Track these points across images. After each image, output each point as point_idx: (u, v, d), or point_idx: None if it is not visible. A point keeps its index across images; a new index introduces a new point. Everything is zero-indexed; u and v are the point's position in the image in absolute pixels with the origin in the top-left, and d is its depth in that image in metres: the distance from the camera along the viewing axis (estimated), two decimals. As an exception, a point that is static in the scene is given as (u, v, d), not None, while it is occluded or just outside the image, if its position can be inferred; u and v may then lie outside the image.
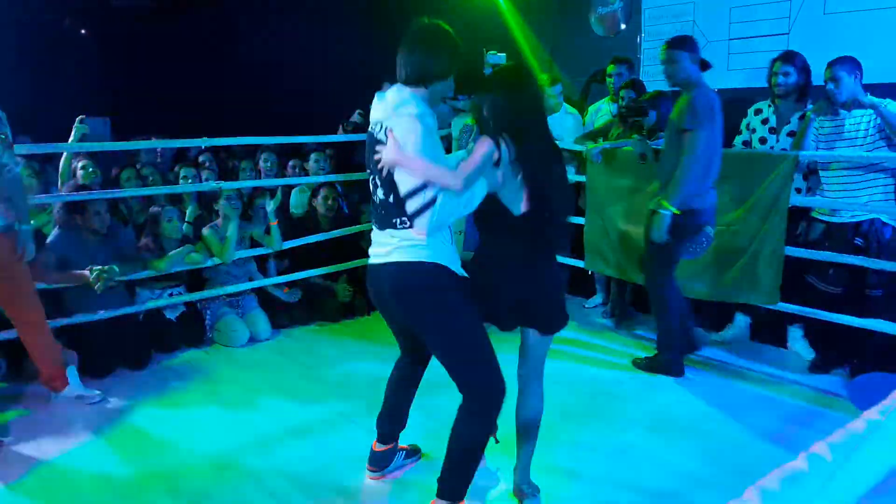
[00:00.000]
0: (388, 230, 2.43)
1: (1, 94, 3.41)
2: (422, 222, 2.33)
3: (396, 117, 2.35)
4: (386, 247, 2.44)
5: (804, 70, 4.06)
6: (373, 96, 2.52)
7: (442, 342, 2.43)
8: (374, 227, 2.53)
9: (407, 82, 2.40)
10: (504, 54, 5.47)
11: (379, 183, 2.42)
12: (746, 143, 4.30)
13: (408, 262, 2.38)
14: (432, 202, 2.31)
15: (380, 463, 2.92)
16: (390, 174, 2.36)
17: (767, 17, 4.62)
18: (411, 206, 2.33)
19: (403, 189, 2.34)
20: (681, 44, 3.63)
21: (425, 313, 2.41)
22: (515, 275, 2.45)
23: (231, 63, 6.75)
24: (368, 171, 2.50)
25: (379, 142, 2.39)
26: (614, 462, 3.03)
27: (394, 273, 2.41)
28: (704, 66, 3.65)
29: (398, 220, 2.39)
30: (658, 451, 3.11)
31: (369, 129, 2.48)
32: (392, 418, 2.89)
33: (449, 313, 2.40)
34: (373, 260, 2.52)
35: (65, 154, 4.50)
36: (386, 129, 2.36)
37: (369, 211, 2.85)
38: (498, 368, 2.43)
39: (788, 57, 4.07)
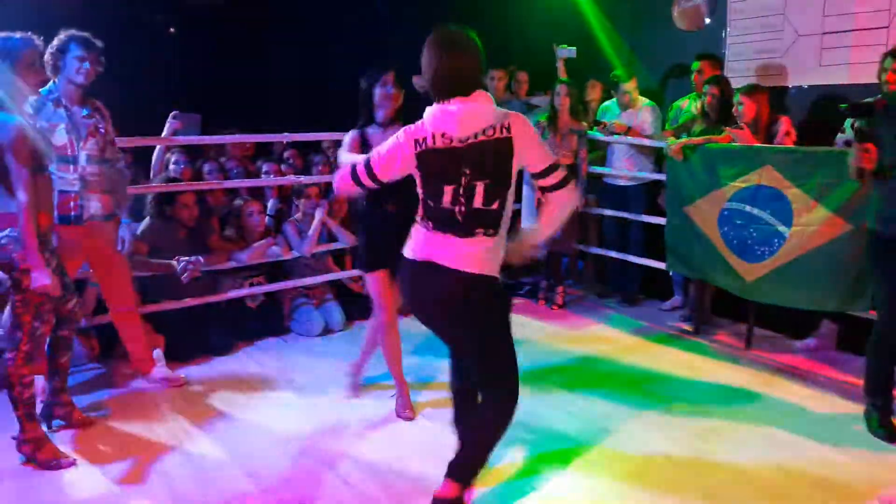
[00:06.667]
0: (471, 238, 2.39)
1: (96, 92, 3.57)
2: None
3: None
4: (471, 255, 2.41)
5: None
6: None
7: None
8: (446, 231, 2.42)
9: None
10: (574, 48, 5.37)
11: (479, 190, 2.37)
12: (849, 144, 4.07)
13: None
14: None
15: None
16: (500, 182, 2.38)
17: (865, 9, 4.38)
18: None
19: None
20: None
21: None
22: None
23: (317, 58, 6.89)
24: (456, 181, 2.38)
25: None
26: (696, 472, 2.95)
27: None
28: None
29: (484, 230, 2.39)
30: (737, 462, 3.01)
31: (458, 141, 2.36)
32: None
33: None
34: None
35: (157, 148, 4.70)
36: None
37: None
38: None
39: None
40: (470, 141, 2.33)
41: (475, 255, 2.38)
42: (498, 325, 2.48)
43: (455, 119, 2.32)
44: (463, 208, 2.37)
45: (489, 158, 2.34)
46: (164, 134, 4.55)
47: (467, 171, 2.35)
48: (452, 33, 2.39)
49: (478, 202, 2.36)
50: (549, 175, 2.40)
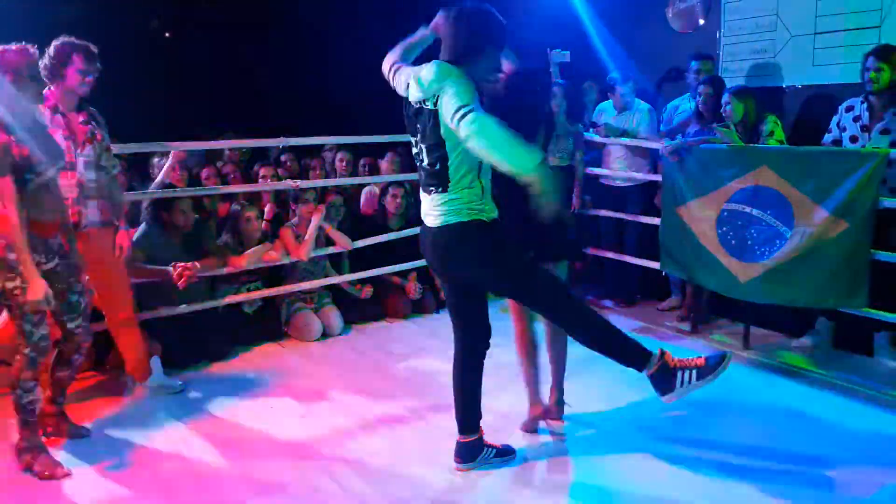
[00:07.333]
0: (430, 195, 2.68)
1: (94, 100, 3.56)
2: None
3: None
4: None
5: None
6: None
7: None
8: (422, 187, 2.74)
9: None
10: (568, 52, 5.39)
11: (423, 150, 2.64)
12: (837, 143, 4.12)
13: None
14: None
15: (464, 455, 2.93)
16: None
17: (857, 9, 4.40)
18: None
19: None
20: None
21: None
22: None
23: (310, 65, 6.89)
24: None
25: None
26: (693, 471, 2.96)
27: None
28: None
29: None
30: (735, 461, 3.03)
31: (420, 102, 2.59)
32: (465, 408, 2.92)
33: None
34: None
35: (170, 157, 4.67)
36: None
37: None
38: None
39: (882, 52, 3.87)
40: (413, 108, 2.63)
41: (437, 210, 2.64)
42: (497, 258, 2.64)
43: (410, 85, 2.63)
44: (422, 163, 2.67)
45: (425, 126, 2.59)
46: (167, 165, 4.56)
47: (418, 131, 2.64)
48: (444, 10, 2.66)
49: (425, 161, 2.64)
50: (453, 119, 2.35)
